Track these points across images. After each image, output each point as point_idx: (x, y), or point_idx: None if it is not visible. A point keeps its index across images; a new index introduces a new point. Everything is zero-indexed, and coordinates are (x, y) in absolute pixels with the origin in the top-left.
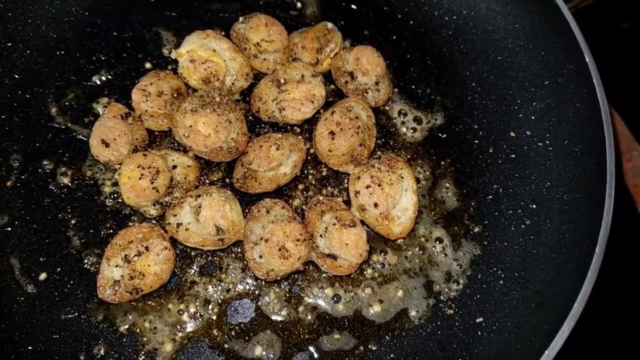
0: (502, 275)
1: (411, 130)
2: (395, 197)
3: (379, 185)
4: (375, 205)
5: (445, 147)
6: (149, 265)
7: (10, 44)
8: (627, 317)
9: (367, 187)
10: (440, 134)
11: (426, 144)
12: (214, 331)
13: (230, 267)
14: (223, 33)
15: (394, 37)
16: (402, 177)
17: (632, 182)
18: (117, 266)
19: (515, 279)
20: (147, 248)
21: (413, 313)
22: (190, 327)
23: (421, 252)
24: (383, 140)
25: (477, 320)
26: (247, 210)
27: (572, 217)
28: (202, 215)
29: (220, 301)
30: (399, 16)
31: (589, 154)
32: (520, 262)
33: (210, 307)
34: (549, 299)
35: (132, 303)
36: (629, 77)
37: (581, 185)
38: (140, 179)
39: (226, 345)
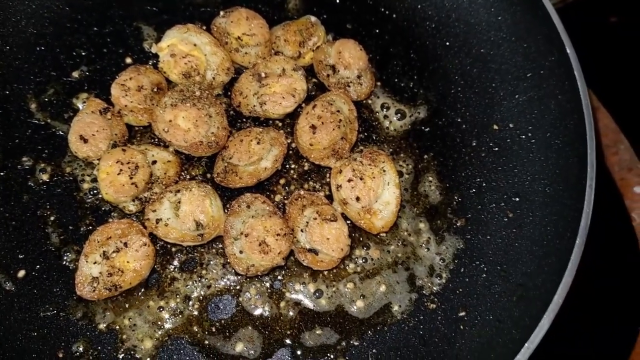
0: (485, 269)
1: (394, 124)
2: (377, 190)
3: (360, 179)
4: (357, 199)
5: (428, 141)
6: (127, 262)
7: None
8: (610, 310)
9: (349, 180)
10: (423, 128)
11: (409, 138)
12: (195, 327)
13: (211, 263)
14: (204, 27)
15: (377, 31)
16: (384, 171)
17: (618, 175)
18: (95, 263)
19: (497, 272)
20: (125, 244)
21: (395, 308)
22: (170, 323)
23: (404, 246)
24: (366, 134)
25: (460, 314)
26: (227, 206)
27: (554, 209)
28: (181, 210)
29: (200, 297)
30: (382, 9)
31: (570, 146)
32: (502, 256)
33: (190, 303)
34: (530, 292)
35: (112, 300)
36: (616, 72)
37: (563, 177)
38: (119, 174)
39: (207, 342)
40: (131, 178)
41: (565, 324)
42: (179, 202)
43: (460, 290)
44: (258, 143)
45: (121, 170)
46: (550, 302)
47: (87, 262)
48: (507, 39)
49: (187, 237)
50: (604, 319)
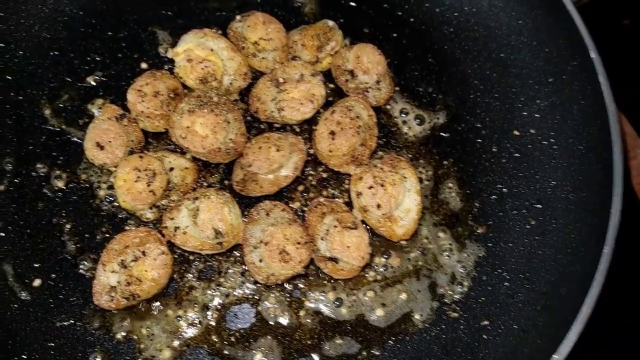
0: (507, 277)
1: (413, 130)
2: (398, 197)
3: (381, 186)
4: (378, 206)
5: (448, 147)
6: (146, 271)
7: (2, 45)
8: (632, 316)
9: (370, 187)
10: (442, 133)
11: (428, 144)
12: (213, 337)
13: (230, 271)
14: (220, 32)
15: (394, 35)
16: (405, 178)
17: (636, 180)
18: (113, 272)
19: (520, 280)
20: (144, 253)
21: (417, 316)
22: (188, 333)
23: (424, 254)
24: (384, 140)
25: (483, 324)
26: (246, 213)
27: (578, 216)
28: (200, 218)
29: (219, 306)
30: (399, 13)
31: (594, 152)
32: (525, 264)
33: (209, 312)
34: (555, 301)
35: (129, 309)
36: (631, 75)
37: (586, 184)
38: (136, 181)
39: (225, 352)
40: (149, 185)
41: (589, 332)
42: (197, 210)
43: (483, 298)
44: (277, 150)
45: (138, 177)
46: (578, 312)
47: (104, 271)
48: (528, 43)
49: (205, 246)
50: (626, 325)
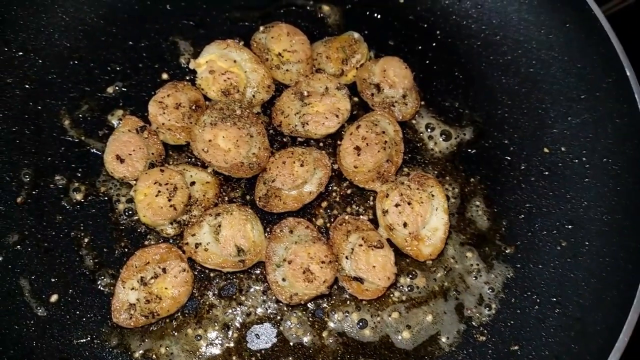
0: (538, 300)
1: (439, 145)
2: (425, 216)
3: (408, 204)
4: (405, 224)
5: (475, 163)
6: (166, 288)
7: (21, 53)
8: None
9: (396, 205)
10: (469, 150)
11: (455, 160)
12: (234, 357)
13: (251, 289)
14: (242, 42)
15: (420, 48)
16: (432, 196)
17: None
18: (132, 289)
19: (552, 304)
20: (164, 270)
21: (443, 339)
22: (208, 353)
23: (451, 274)
24: (410, 155)
25: (512, 349)
26: (268, 230)
27: (613, 239)
28: (222, 235)
29: (239, 325)
30: (425, 26)
31: (630, 173)
32: (556, 287)
33: (229, 331)
34: (590, 327)
35: (148, 327)
36: None
37: (622, 205)
38: (157, 196)
39: None
40: (169, 200)
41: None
42: (219, 226)
43: (512, 322)
44: (302, 165)
45: (159, 191)
46: (615, 340)
47: (124, 288)
48: (559, 58)
49: (227, 263)
50: None
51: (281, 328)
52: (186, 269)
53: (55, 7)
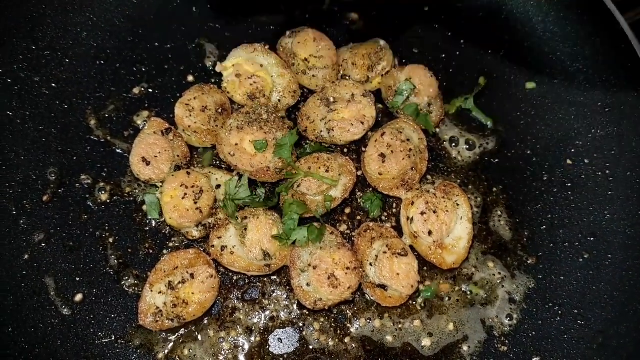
0: (559, 312)
1: (462, 154)
2: (450, 225)
3: (434, 212)
4: (430, 233)
5: (498, 173)
6: (193, 293)
7: (48, 52)
8: None
9: (422, 213)
10: (492, 159)
11: (477, 169)
12: None
13: (274, 293)
14: (267, 46)
15: (444, 56)
16: (457, 205)
17: None
18: (160, 293)
19: (573, 316)
20: (192, 275)
21: (464, 348)
22: (231, 356)
23: (473, 283)
24: (433, 163)
25: None
26: None
27: (636, 253)
28: (248, 238)
29: (262, 329)
30: (450, 34)
31: None
32: (579, 299)
33: (252, 335)
34: (612, 341)
35: (172, 329)
36: None
37: None
38: (183, 198)
39: None
40: (195, 203)
41: None
42: (245, 230)
43: (533, 333)
44: (327, 171)
45: (185, 194)
46: (639, 355)
47: (151, 291)
48: (585, 70)
49: (253, 267)
50: None
51: (304, 333)
52: (213, 275)
53: (83, 7)
